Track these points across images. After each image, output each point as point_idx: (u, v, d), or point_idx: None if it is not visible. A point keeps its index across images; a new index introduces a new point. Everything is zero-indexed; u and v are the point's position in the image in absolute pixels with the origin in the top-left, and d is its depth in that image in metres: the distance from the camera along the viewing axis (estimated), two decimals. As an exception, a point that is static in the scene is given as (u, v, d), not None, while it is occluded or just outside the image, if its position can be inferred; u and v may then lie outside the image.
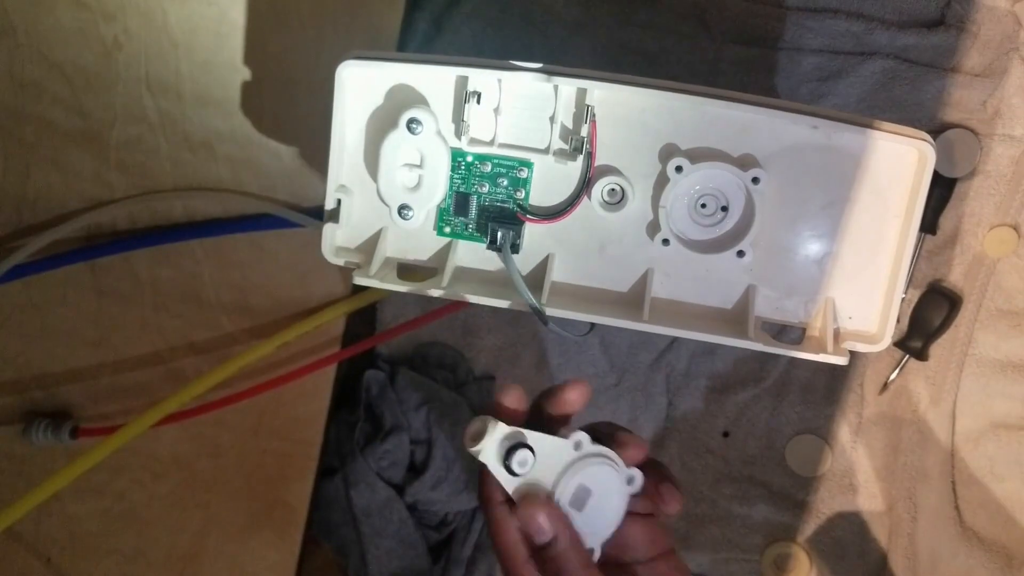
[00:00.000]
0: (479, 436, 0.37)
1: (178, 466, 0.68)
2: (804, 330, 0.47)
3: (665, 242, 0.45)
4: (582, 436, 0.39)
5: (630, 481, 0.40)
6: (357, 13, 0.57)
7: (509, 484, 0.38)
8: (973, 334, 0.62)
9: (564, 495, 0.39)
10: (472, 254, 0.47)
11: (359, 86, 0.44)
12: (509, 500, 0.39)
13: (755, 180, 0.43)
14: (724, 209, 0.45)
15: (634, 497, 0.41)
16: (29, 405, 0.66)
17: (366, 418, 0.67)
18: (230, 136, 0.59)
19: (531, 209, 0.46)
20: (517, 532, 0.38)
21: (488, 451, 0.37)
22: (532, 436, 0.38)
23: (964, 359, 0.63)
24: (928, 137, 0.42)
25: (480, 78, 0.43)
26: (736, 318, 0.46)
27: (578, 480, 0.39)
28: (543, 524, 0.37)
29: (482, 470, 0.38)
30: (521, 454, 0.37)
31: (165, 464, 0.68)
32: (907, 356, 0.64)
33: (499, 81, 0.43)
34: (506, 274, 0.45)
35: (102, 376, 0.66)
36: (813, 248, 0.45)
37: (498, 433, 0.37)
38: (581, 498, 0.39)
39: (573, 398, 0.40)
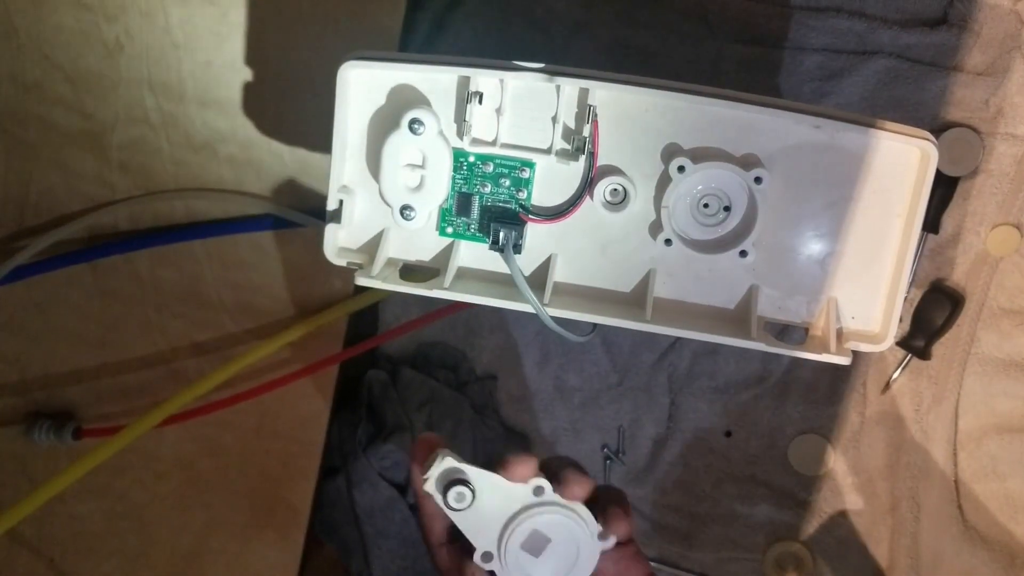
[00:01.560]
0: (428, 467, 0.39)
1: (181, 466, 0.68)
2: (807, 330, 0.47)
3: (667, 242, 0.45)
4: (543, 483, 0.39)
5: (602, 537, 0.40)
6: (358, 13, 0.57)
7: (451, 516, 0.39)
8: (976, 333, 0.62)
9: (515, 537, 0.39)
10: (474, 254, 0.47)
11: (361, 87, 0.44)
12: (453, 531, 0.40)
13: (758, 180, 0.43)
14: (727, 209, 0.45)
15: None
16: (32, 406, 0.66)
17: (368, 418, 0.67)
18: (232, 137, 0.59)
19: (533, 209, 0.46)
20: (448, 561, 0.40)
21: (431, 483, 0.39)
22: (481, 475, 0.39)
23: (967, 358, 0.63)
24: (930, 136, 0.42)
25: (482, 78, 0.43)
26: (739, 318, 0.46)
27: (532, 525, 0.39)
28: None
29: (421, 497, 0.40)
30: (457, 490, 0.38)
31: (168, 464, 0.68)
32: (909, 355, 0.64)
33: (501, 81, 0.43)
34: (508, 274, 0.45)
35: (104, 377, 0.66)
36: (816, 248, 0.45)
37: (443, 465, 0.39)
38: (537, 544, 0.39)
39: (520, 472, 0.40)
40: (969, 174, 0.60)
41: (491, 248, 0.46)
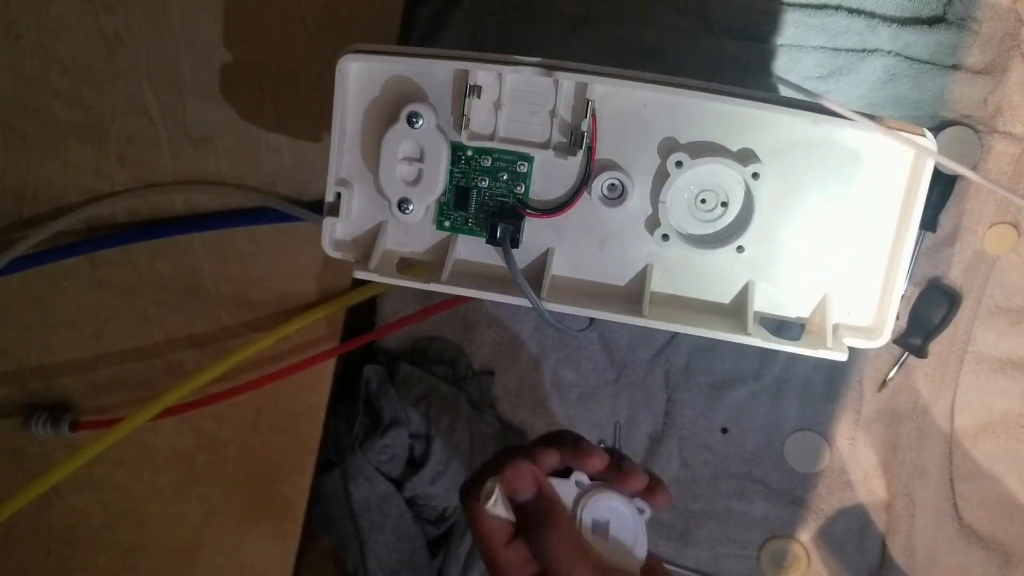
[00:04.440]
0: (489, 495, 0.41)
1: (177, 459, 0.68)
2: (803, 326, 0.47)
3: (665, 237, 0.45)
4: (582, 476, 0.42)
5: (641, 511, 0.43)
6: (358, 6, 0.57)
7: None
8: (972, 331, 0.62)
9: (584, 525, 0.41)
10: (472, 248, 0.47)
11: (360, 80, 0.44)
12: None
13: (755, 175, 0.43)
14: (724, 204, 0.45)
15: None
16: (29, 398, 0.66)
17: (365, 412, 0.67)
18: (230, 130, 0.59)
19: (531, 204, 0.46)
20: (515, 555, 0.40)
21: (497, 508, 0.41)
22: None
23: (963, 356, 0.63)
24: (928, 134, 0.42)
25: (480, 72, 0.43)
26: (735, 313, 0.46)
27: (592, 514, 0.41)
28: (526, 480, 0.40)
29: (476, 514, 0.41)
30: None
31: (164, 457, 0.68)
32: (906, 353, 0.64)
33: (499, 75, 0.43)
34: (506, 269, 0.45)
35: (101, 369, 0.66)
36: (812, 243, 0.45)
37: (498, 493, 0.41)
38: (602, 527, 0.42)
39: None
40: (967, 172, 0.60)
41: (488, 242, 0.46)
